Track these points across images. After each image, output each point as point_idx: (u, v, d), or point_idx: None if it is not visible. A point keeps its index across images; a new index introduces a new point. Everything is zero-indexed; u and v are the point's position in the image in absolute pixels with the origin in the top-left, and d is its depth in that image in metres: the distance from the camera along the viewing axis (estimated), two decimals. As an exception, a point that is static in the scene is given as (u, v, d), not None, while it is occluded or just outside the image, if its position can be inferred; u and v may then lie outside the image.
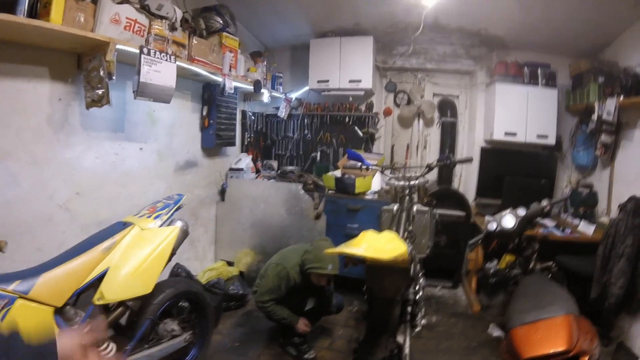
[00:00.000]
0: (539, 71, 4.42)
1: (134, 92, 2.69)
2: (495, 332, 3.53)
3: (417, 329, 2.57)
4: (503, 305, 3.84)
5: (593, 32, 3.94)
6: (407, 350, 2.31)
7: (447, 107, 5.11)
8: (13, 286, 1.69)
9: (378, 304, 2.37)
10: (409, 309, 2.47)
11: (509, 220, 3.02)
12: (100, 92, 2.44)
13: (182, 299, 2.68)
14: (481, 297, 4.02)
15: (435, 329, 3.61)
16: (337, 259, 2.96)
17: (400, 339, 2.33)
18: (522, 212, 3.01)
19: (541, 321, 2.14)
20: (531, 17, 3.86)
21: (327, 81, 4.77)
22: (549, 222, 3.90)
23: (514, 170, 4.48)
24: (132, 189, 3.15)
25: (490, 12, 3.94)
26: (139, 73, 2.62)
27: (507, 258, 3.58)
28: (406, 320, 2.45)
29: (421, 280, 2.78)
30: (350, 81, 4.68)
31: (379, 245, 1.99)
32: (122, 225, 2.35)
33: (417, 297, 2.55)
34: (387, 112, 5.25)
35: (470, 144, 5.05)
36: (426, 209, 2.89)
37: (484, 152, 4.74)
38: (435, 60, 5.00)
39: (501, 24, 4.19)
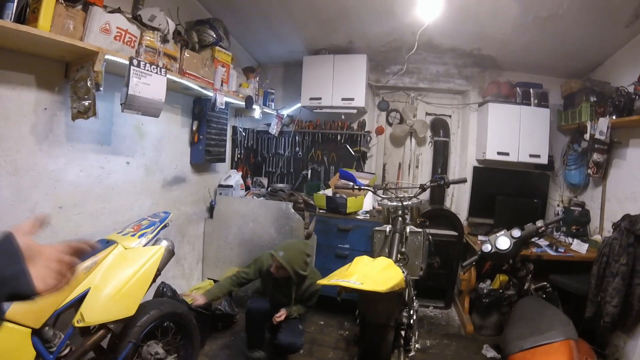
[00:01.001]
0: (531, 91, 4.44)
1: (121, 104, 2.59)
2: (489, 353, 3.47)
3: (412, 354, 2.49)
4: (497, 326, 3.78)
5: (585, 53, 3.99)
6: (402, 375, 2.24)
7: (439, 126, 5.09)
8: (-14, 306, 1.57)
9: (371, 330, 2.29)
10: (403, 333, 2.40)
11: (503, 242, 2.97)
12: (87, 103, 2.35)
13: (167, 320, 2.56)
14: (474, 318, 3.94)
15: (428, 350, 3.52)
16: (293, 252, 3.01)
17: (395, 365, 2.26)
18: (517, 233, 2.96)
19: (540, 347, 2.09)
20: (524, 38, 3.90)
21: (320, 99, 4.73)
22: (542, 242, 3.87)
23: (506, 190, 4.47)
24: (117, 204, 3.03)
25: (483, 32, 3.95)
26: (127, 85, 2.53)
27: (501, 278, 3.53)
28: (400, 345, 2.38)
29: (415, 304, 2.71)
30: (343, 99, 4.64)
31: (374, 274, 1.94)
32: (105, 243, 2.26)
33: (411, 321, 2.47)
34: (380, 131, 5.22)
35: (462, 163, 5.03)
36: (419, 230, 2.83)
37: (477, 171, 4.72)
38: (428, 80, 5.00)
39: (494, 44, 4.21)
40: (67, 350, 1.95)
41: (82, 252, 0.98)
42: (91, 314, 2.00)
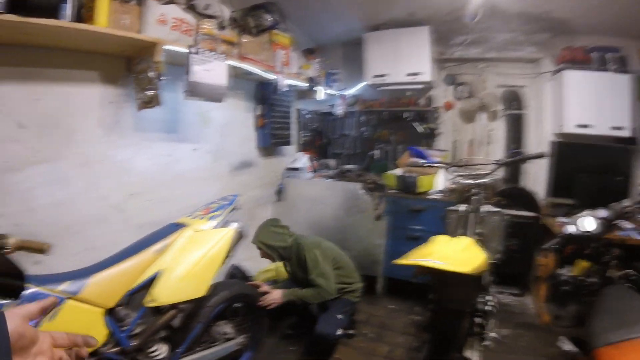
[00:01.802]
0: (608, 56, 4.03)
1: (184, 92, 2.67)
2: (566, 346, 3.20)
3: (486, 343, 2.36)
4: (575, 317, 3.49)
5: None
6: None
7: (512, 98, 4.80)
8: (63, 287, 1.69)
9: (445, 316, 2.19)
10: (479, 320, 2.27)
11: (589, 223, 2.71)
12: (150, 93, 2.44)
13: (237, 301, 2.63)
14: (551, 307, 3.65)
15: (500, 340, 3.32)
16: (259, 230, 3.09)
17: (468, 354, 2.14)
18: (602, 213, 2.70)
19: (629, 341, 1.89)
20: None
21: (384, 75, 4.61)
22: (626, 224, 3.50)
23: (585, 167, 4.08)
24: (186, 190, 3.15)
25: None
26: (188, 72, 2.59)
27: (582, 264, 3.25)
28: (474, 332, 2.26)
29: (492, 289, 2.57)
30: (408, 74, 4.50)
31: (455, 254, 1.83)
32: (175, 227, 2.32)
33: (488, 307, 2.34)
34: (448, 106, 4.99)
35: (538, 138, 4.69)
36: (496, 209, 2.68)
37: (555, 146, 4.36)
38: (497, 49, 4.69)
39: (565, 5, 3.84)
40: (139, 329, 2.04)
41: (82, 345, 0.87)
42: (162, 294, 2.07)
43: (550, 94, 4.52)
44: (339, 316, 2.95)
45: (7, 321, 0.69)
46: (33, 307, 0.80)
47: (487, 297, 2.35)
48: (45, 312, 0.81)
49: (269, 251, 3.02)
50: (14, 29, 1.78)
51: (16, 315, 0.73)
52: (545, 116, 4.57)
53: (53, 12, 1.91)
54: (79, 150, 2.35)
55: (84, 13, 2.11)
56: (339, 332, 2.88)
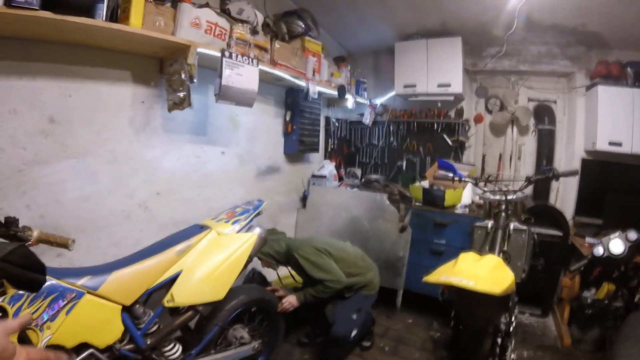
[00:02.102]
0: (644, 72, 3.86)
1: (215, 95, 2.70)
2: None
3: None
4: (597, 341, 3.35)
5: None
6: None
7: (543, 113, 4.67)
8: (82, 281, 1.71)
9: (467, 334, 2.15)
10: (499, 340, 2.22)
11: (617, 245, 2.62)
12: (181, 95, 2.47)
13: (254, 306, 2.64)
14: (573, 330, 3.55)
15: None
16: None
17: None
18: (633, 236, 2.60)
19: None
20: (633, 10, 3.38)
21: (414, 86, 4.57)
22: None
23: (617, 186, 3.92)
24: (212, 192, 3.18)
25: (587, 5, 3.51)
26: (220, 76, 2.62)
27: (608, 287, 3.13)
28: (496, 353, 2.21)
29: (515, 310, 2.50)
30: (439, 85, 4.45)
31: (484, 273, 1.78)
32: (199, 229, 2.35)
33: (510, 328, 2.28)
34: (478, 119, 4.91)
35: (569, 154, 4.56)
36: (524, 227, 2.61)
37: (585, 164, 4.23)
38: (529, 62, 4.60)
39: (600, 19, 3.72)
40: (155, 328, 2.06)
41: None
42: (181, 295, 2.09)
43: (583, 109, 4.39)
44: (353, 316, 2.93)
45: None
46: (13, 323, 0.87)
47: (511, 318, 2.27)
48: (23, 327, 0.90)
49: (267, 258, 3.04)
50: (49, 26, 1.82)
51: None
52: (577, 132, 4.42)
53: (89, 11, 1.95)
54: (108, 147, 2.39)
55: (119, 13, 2.16)
56: (354, 332, 2.87)
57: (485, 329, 2.06)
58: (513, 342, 2.38)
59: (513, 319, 2.32)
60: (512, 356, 2.33)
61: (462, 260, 1.91)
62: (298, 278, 3.21)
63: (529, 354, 3.35)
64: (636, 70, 3.92)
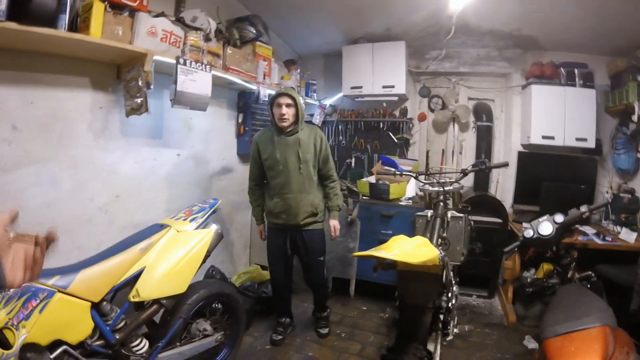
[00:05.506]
0: (576, 71, 4.28)
1: (171, 100, 2.81)
2: (531, 344, 3.42)
3: (449, 338, 2.53)
4: (540, 317, 3.70)
5: (629, 29, 3.75)
6: (437, 359, 2.29)
7: (482, 111, 5.02)
8: (53, 281, 1.81)
9: (409, 311, 2.36)
10: (441, 317, 2.44)
11: (546, 227, 2.91)
12: (139, 100, 2.57)
13: (215, 300, 2.75)
14: (517, 308, 3.88)
15: (469, 339, 3.52)
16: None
17: (431, 347, 2.31)
18: (560, 218, 2.90)
19: (575, 332, 2.05)
20: (565, 15, 3.73)
21: (361, 87, 4.80)
22: (589, 230, 3.76)
23: (552, 176, 4.30)
24: (169, 194, 3.27)
25: (522, 11, 3.84)
26: (175, 82, 2.74)
27: (545, 267, 3.46)
28: (438, 328, 2.43)
29: (454, 288, 2.74)
30: (384, 87, 4.69)
31: (409, 249, 1.98)
32: (159, 227, 2.46)
33: (450, 305, 2.51)
34: (422, 118, 5.21)
35: (507, 148, 4.94)
36: (461, 215, 2.86)
37: (521, 156, 4.62)
38: (469, 64, 4.93)
39: (534, 23, 4.07)
40: (122, 324, 2.17)
41: (50, 241, 1.03)
42: (146, 290, 2.20)
43: (519, 106, 4.76)
44: (321, 258, 3.33)
45: None
46: (5, 215, 0.94)
47: (449, 295, 2.51)
48: (13, 219, 0.96)
49: (298, 103, 3.11)
50: (14, 36, 1.90)
51: None
52: (513, 128, 4.80)
53: (52, 21, 2.02)
54: (69, 152, 2.45)
55: (79, 23, 2.24)
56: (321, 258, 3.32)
57: (425, 305, 2.28)
58: (455, 318, 2.62)
59: (451, 295, 2.55)
60: (455, 330, 2.56)
61: (392, 240, 2.11)
62: (261, 275, 3.40)
63: (477, 332, 3.64)
64: (569, 70, 4.31)
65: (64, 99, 2.42)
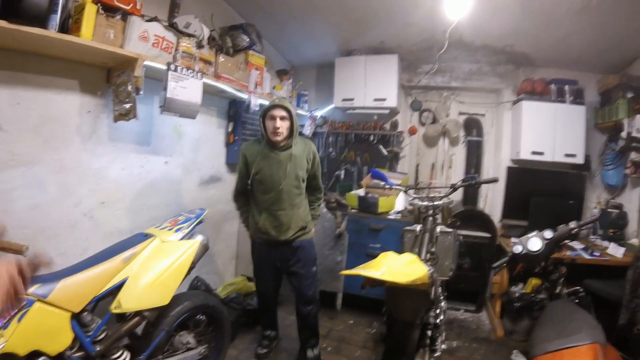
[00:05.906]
0: (566, 88, 4.35)
1: (160, 107, 2.78)
2: (519, 358, 3.41)
3: (437, 354, 2.50)
4: (528, 331, 3.70)
5: (621, 46, 3.85)
6: (425, 375, 2.26)
7: (473, 125, 5.06)
8: (32, 289, 1.74)
9: (397, 327, 2.32)
10: (429, 332, 2.41)
11: (535, 243, 2.92)
12: (127, 106, 2.53)
13: (200, 312, 2.69)
14: (505, 322, 3.88)
15: (456, 353, 3.49)
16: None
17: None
18: (549, 234, 2.91)
19: (565, 350, 2.04)
20: (557, 32, 3.81)
21: (352, 99, 4.80)
22: (577, 245, 3.77)
23: (541, 191, 4.33)
24: (156, 201, 3.21)
25: (515, 28, 3.89)
26: (165, 89, 2.70)
27: (533, 282, 3.46)
28: (425, 344, 2.39)
29: (442, 304, 2.72)
30: (375, 99, 4.70)
31: (398, 267, 1.95)
32: (144, 237, 2.40)
33: (438, 320, 2.49)
34: (412, 131, 5.23)
35: (496, 163, 4.97)
36: (450, 230, 2.85)
37: (511, 171, 4.64)
38: (461, 79, 4.97)
39: (527, 40, 4.14)
40: (103, 335, 2.10)
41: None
42: (128, 301, 2.14)
43: (509, 122, 4.81)
44: (313, 269, 3.18)
45: None
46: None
47: (437, 311, 2.48)
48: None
49: (292, 114, 2.89)
50: (3, 34, 1.86)
51: None
52: (503, 143, 4.84)
53: (43, 21, 1.98)
54: (55, 156, 2.40)
55: (70, 24, 2.20)
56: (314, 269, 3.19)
57: (413, 322, 2.25)
58: (444, 334, 2.59)
59: (439, 311, 2.53)
60: (443, 346, 2.53)
61: (380, 257, 2.08)
62: (246, 287, 3.32)
63: (465, 346, 3.62)
64: (559, 87, 4.38)
65: (52, 101, 2.37)
